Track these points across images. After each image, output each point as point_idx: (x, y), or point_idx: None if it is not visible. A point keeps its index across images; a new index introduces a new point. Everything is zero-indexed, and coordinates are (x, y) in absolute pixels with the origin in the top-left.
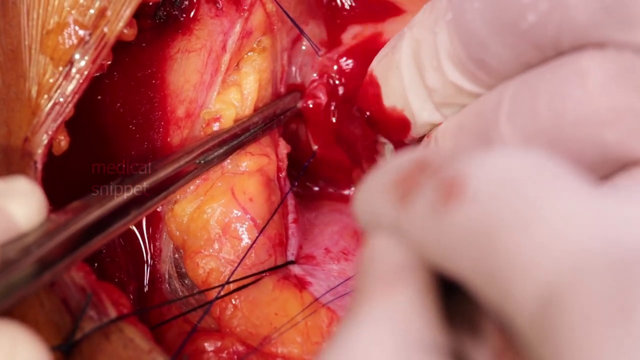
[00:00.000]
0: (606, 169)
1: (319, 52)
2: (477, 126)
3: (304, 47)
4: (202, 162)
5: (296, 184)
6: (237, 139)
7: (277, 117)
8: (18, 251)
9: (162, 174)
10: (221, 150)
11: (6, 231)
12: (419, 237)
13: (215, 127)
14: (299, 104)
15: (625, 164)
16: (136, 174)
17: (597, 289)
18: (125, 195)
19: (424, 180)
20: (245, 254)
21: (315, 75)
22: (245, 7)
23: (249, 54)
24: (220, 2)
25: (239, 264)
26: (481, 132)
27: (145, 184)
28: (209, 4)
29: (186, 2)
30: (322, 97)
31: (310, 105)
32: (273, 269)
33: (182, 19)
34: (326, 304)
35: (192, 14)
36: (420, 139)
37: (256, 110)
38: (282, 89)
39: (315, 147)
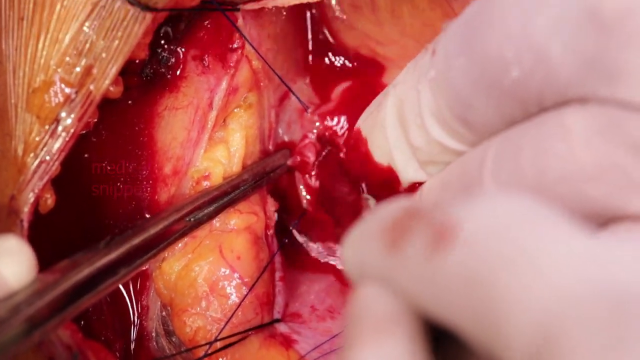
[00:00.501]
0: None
1: (308, 110)
2: (461, 184)
3: (292, 105)
4: (192, 219)
5: (286, 240)
6: (227, 197)
7: (267, 175)
8: (7, 310)
9: (152, 231)
10: (211, 208)
11: None
12: (409, 284)
13: (205, 184)
14: (289, 162)
15: (611, 219)
16: (126, 232)
17: (591, 327)
18: (115, 254)
19: (415, 226)
20: (233, 313)
21: (304, 132)
22: (231, 64)
23: (236, 110)
24: (206, 60)
25: (226, 323)
26: (465, 190)
27: (134, 242)
28: (195, 61)
29: (172, 60)
30: (311, 156)
31: (298, 163)
32: (260, 327)
33: (168, 76)
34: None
35: (178, 71)
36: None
37: (244, 167)
38: (271, 146)
39: (305, 203)
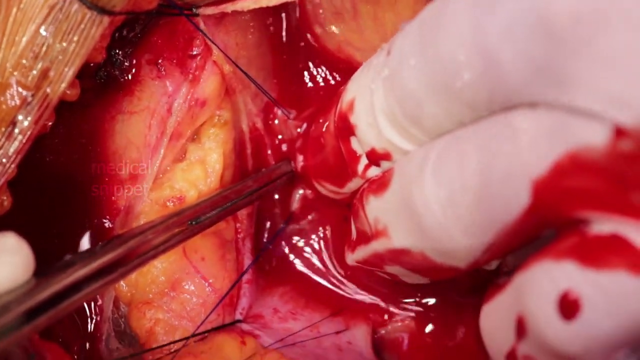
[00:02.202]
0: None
1: (290, 116)
2: (400, 182)
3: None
4: (193, 223)
5: (263, 250)
6: (230, 202)
7: (271, 182)
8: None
9: (150, 234)
10: (213, 212)
11: None
12: None
13: (170, 205)
14: (294, 167)
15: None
16: (124, 235)
17: None
18: (112, 255)
19: None
20: (202, 322)
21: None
22: (190, 70)
23: (211, 130)
24: (160, 64)
25: (192, 335)
26: (405, 188)
27: (131, 245)
28: (150, 65)
29: (126, 63)
30: (300, 160)
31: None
32: (221, 327)
33: (122, 79)
34: (273, 348)
35: (131, 75)
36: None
37: (222, 180)
38: (249, 150)
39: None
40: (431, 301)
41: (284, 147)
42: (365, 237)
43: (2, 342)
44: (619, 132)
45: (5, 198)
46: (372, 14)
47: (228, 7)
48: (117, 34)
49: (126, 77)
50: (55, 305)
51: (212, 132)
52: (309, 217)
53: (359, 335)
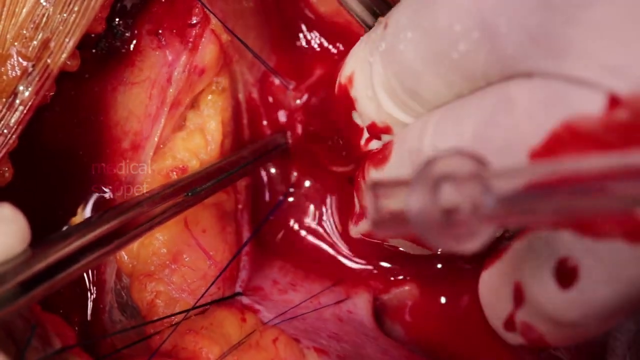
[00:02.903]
0: None
1: (289, 86)
2: (400, 153)
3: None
4: (189, 194)
5: (262, 222)
6: (225, 173)
7: (266, 153)
8: None
9: (146, 205)
10: (209, 184)
11: None
12: None
13: (173, 175)
14: (289, 140)
15: None
16: (120, 206)
17: None
18: (107, 227)
19: None
20: (203, 294)
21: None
22: (189, 39)
23: (209, 97)
24: (161, 34)
25: (196, 302)
26: (404, 159)
27: (128, 215)
28: (150, 35)
29: (127, 34)
30: (299, 130)
31: (290, 140)
32: (221, 300)
33: (123, 50)
34: (273, 324)
35: (132, 45)
36: None
37: (222, 147)
38: (245, 120)
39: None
40: (435, 268)
41: (282, 118)
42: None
43: None
44: (614, 101)
45: (6, 169)
46: None
47: None
48: (118, 5)
49: (127, 48)
50: (52, 276)
51: (210, 99)
52: (307, 189)
53: (360, 303)
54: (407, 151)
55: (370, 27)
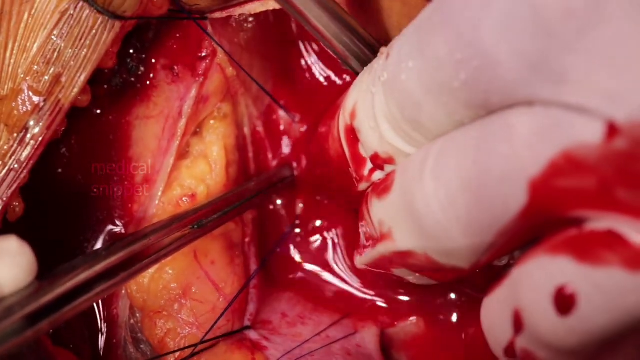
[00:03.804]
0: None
1: (295, 119)
2: (402, 184)
3: (282, 115)
4: (195, 227)
5: (269, 254)
6: (232, 205)
7: (272, 185)
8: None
9: (153, 237)
10: (215, 216)
11: None
12: None
13: (185, 200)
14: (296, 172)
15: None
16: (126, 238)
17: None
18: (114, 259)
19: None
20: (210, 329)
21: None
22: (200, 72)
23: (211, 122)
24: (176, 69)
25: (205, 335)
26: (406, 190)
27: (135, 248)
28: (165, 70)
29: (142, 69)
30: (304, 162)
31: (295, 172)
32: (230, 334)
33: (139, 85)
34: None
35: (148, 81)
36: None
37: (227, 175)
38: (251, 154)
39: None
40: (441, 299)
41: (286, 151)
42: (371, 241)
43: (5, 346)
44: (613, 130)
45: (17, 204)
46: (377, 4)
47: (236, 11)
48: (130, 40)
49: (142, 83)
50: (59, 308)
51: (212, 125)
52: (314, 220)
53: (368, 337)
54: (409, 181)
55: (356, 72)
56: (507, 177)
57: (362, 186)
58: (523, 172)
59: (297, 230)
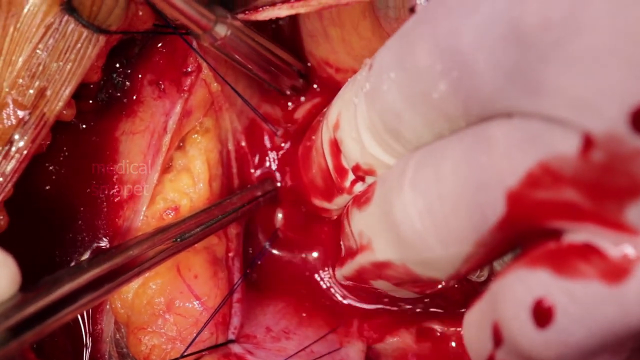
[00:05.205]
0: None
1: (277, 133)
2: (382, 194)
3: (265, 128)
4: (178, 240)
5: (248, 271)
6: (215, 219)
7: (255, 199)
8: None
9: (136, 251)
10: (198, 230)
11: None
12: None
13: (170, 215)
14: (279, 185)
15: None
16: (109, 251)
17: None
18: (97, 271)
19: None
20: (192, 342)
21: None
22: (185, 88)
23: (194, 136)
24: (162, 84)
25: (186, 349)
26: (385, 199)
27: (117, 261)
28: (151, 85)
29: (128, 84)
30: (287, 177)
31: (278, 185)
32: (213, 348)
33: (124, 100)
34: None
35: (135, 96)
36: None
37: (211, 190)
38: (235, 169)
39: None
40: (426, 313)
41: (270, 165)
42: (351, 252)
43: None
44: (589, 142)
45: (1, 217)
46: (340, 37)
47: (263, 14)
48: (117, 55)
49: (129, 98)
50: (42, 320)
51: (195, 139)
52: (298, 233)
53: (352, 353)
54: (388, 191)
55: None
56: (485, 187)
57: (343, 198)
58: (501, 183)
59: (280, 243)
